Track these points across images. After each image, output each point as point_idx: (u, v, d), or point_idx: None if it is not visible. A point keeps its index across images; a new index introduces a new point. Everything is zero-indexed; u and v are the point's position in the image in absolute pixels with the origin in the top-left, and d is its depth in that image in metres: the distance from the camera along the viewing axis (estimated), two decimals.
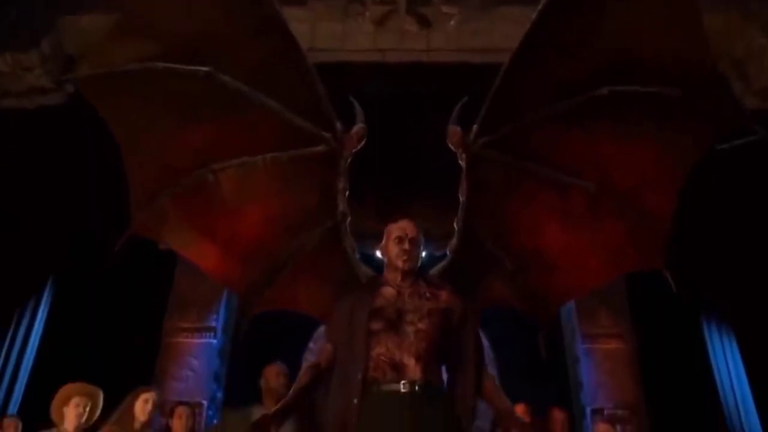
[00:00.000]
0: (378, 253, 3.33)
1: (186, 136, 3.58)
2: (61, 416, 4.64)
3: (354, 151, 3.56)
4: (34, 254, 7.55)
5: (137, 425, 4.29)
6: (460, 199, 3.89)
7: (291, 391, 3.03)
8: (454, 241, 4.02)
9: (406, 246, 3.11)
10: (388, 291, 3.05)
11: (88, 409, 4.66)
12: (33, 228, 7.38)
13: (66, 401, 4.65)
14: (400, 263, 3.10)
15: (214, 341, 8.09)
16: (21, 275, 7.48)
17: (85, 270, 7.81)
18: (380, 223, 3.39)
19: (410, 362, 2.82)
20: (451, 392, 2.93)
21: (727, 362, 8.32)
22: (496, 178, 3.82)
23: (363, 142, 3.55)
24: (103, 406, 4.53)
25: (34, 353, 7.77)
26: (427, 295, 3.04)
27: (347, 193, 3.63)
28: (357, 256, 3.57)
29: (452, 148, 3.67)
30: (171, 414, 4.79)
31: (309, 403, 3.51)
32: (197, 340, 8.06)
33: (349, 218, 3.68)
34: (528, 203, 3.87)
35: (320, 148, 3.57)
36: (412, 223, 3.22)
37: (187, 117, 3.54)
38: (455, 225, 4.02)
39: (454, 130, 3.53)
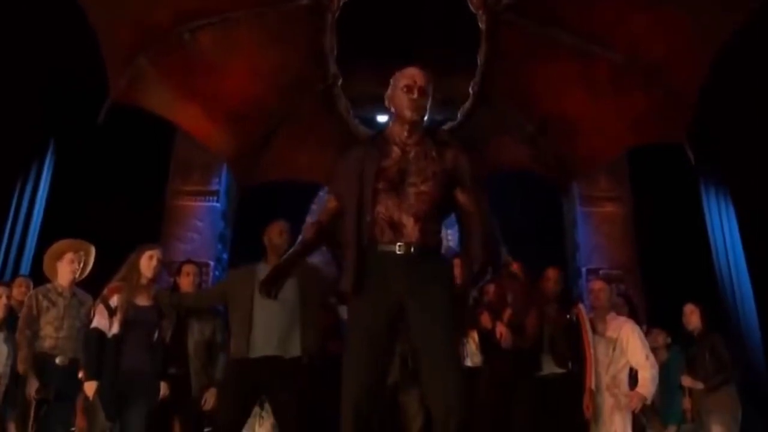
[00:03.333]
0: (381, 118, 3.18)
1: None
2: (54, 271, 4.75)
3: (341, 3, 3.40)
4: (33, 117, 7.53)
5: (143, 281, 4.38)
6: (478, 62, 3.81)
7: (296, 245, 3.06)
8: (467, 104, 3.97)
9: (415, 95, 2.91)
10: (393, 150, 2.95)
11: (81, 264, 4.79)
12: (30, 90, 7.31)
13: (59, 257, 4.75)
14: (408, 114, 2.92)
15: (217, 204, 8.20)
16: (21, 139, 7.48)
17: (85, 132, 7.80)
18: (379, 86, 3.19)
19: (409, 223, 2.81)
20: (461, 247, 2.94)
21: (722, 225, 8.44)
22: (517, 44, 3.70)
23: None
24: (110, 267, 4.61)
25: (41, 216, 7.89)
26: (433, 154, 2.94)
27: (336, 53, 3.50)
28: (354, 118, 3.48)
29: (472, 9, 3.51)
30: (178, 272, 4.89)
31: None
32: (201, 203, 8.17)
33: (341, 80, 3.60)
34: (551, 70, 3.79)
35: (305, 1, 3.41)
36: (422, 72, 2.98)
37: None
38: (471, 89, 3.95)
39: None
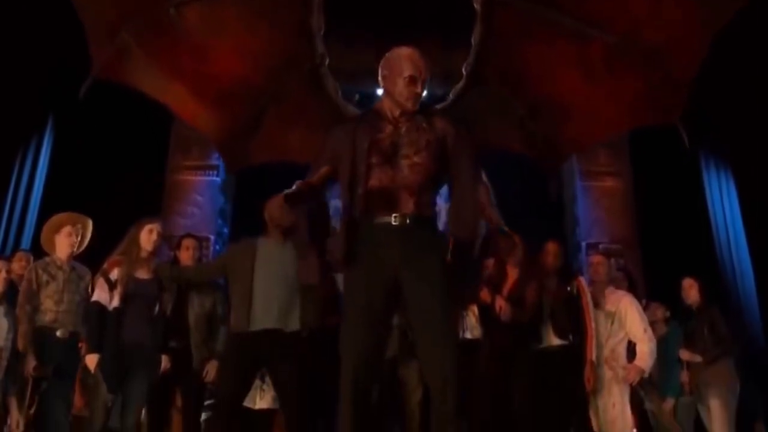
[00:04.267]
0: (381, 92, 3.12)
1: None
2: (52, 245, 4.74)
3: None
4: (32, 93, 7.50)
5: (143, 255, 4.40)
6: (472, 42, 3.78)
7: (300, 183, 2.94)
8: (460, 85, 3.94)
9: (419, 89, 2.88)
10: (385, 124, 2.93)
11: (79, 237, 4.77)
12: (29, 66, 7.28)
13: (57, 230, 4.73)
14: (409, 105, 2.89)
15: (217, 179, 8.21)
16: (20, 115, 7.46)
17: (84, 107, 7.77)
18: (379, 60, 3.06)
19: (403, 195, 2.82)
20: (452, 214, 2.93)
21: (722, 199, 8.44)
22: (512, 25, 3.66)
23: None
24: (111, 242, 4.62)
25: (41, 191, 7.89)
26: (424, 125, 2.92)
27: (323, 31, 3.44)
28: (343, 98, 3.43)
29: None
30: (178, 246, 4.89)
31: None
32: (201, 178, 8.18)
33: (328, 60, 3.55)
34: (546, 52, 3.75)
35: None
36: (425, 62, 2.90)
37: None
38: (464, 69, 3.92)
39: None
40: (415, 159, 2.86)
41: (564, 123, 4.06)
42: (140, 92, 4.01)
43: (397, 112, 2.95)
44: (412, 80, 2.87)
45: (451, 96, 3.79)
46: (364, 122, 2.98)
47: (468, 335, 4.74)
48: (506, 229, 2.95)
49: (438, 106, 3.47)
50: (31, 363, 4.39)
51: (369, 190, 2.83)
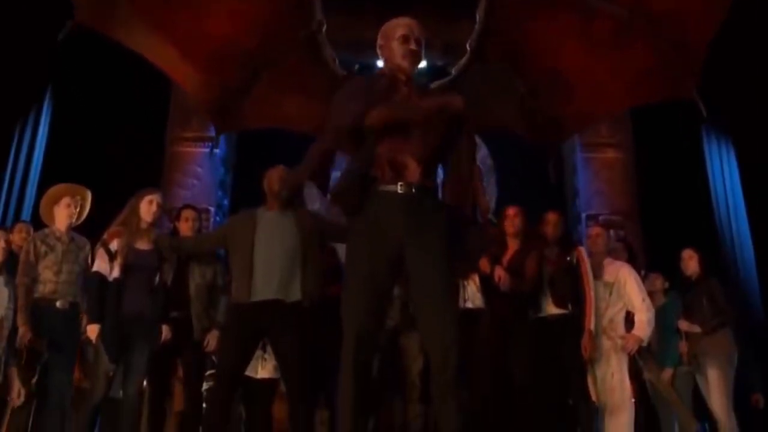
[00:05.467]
0: (382, 64, 3.11)
1: None
2: (51, 216, 4.75)
3: None
4: (30, 63, 7.45)
5: (143, 225, 4.39)
6: (477, 18, 3.73)
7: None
8: (463, 61, 3.90)
9: (413, 46, 2.91)
10: (393, 94, 2.91)
11: (78, 209, 4.78)
12: (26, 36, 7.22)
13: (56, 201, 4.74)
14: (405, 63, 2.91)
15: (217, 150, 8.17)
16: (18, 86, 7.42)
17: (83, 77, 7.74)
18: (375, 32, 3.09)
19: (411, 164, 2.80)
20: (447, 186, 2.94)
21: (723, 171, 8.44)
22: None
23: None
24: (110, 213, 4.62)
25: (40, 162, 7.89)
26: (432, 97, 2.94)
27: None
28: (339, 66, 3.39)
29: None
30: (177, 218, 4.88)
31: None
32: (200, 150, 8.15)
33: (325, 27, 3.50)
34: (549, 25, 3.69)
35: None
36: (417, 22, 2.97)
37: None
38: (468, 45, 3.87)
39: None
40: (425, 128, 2.84)
41: (568, 100, 4.01)
42: (126, 48, 3.84)
43: (402, 78, 2.94)
44: (404, 39, 2.92)
45: (454, 72, 3.76)
46: (374, 86, 2.95)
47: (469, 305, 4.75)
48: (494, 219, 2.97)
49: (441, 81, 3.44)
50: (26, 335, 4.42)
51: (378, 156, 2.82)
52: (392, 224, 2.77)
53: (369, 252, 2.78)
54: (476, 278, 4.79)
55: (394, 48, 2.94)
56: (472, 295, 4.78)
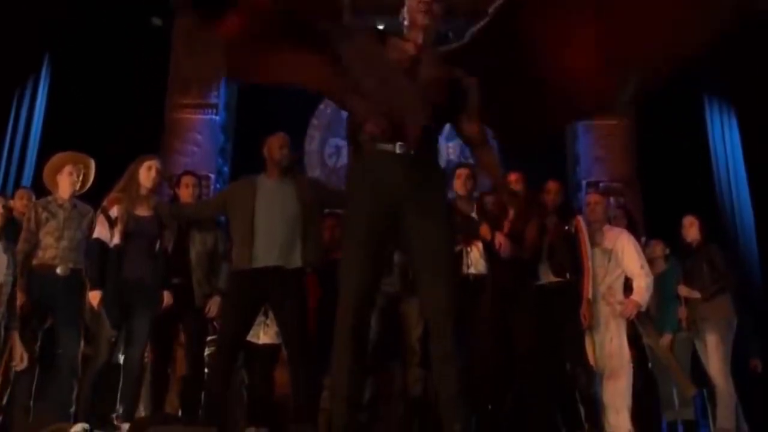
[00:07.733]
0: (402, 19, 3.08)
1: None
2: (55, 184, 4.74)
3: None
4: (26, 31, 7.38)
5: (143, 192, 4.39)
6: None
7: None
8: (475, 28, 3.84)
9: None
10: (404, 52, 2.90)
11: (81, 177, 4.78)
12: (23, 3, 7.16)
13: (59, 169, 4.73)
14: (420, 18, 2.89)
15: (217, 117, 8.15)
16: (16, 53, 7.36)
17: (81, 45, 7.68)
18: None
19: (411, 124, 2.78)
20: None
21: (724, 138, 8.40)
22: None
23: None
24: (110, 180, 4.61)
25: (39, 130, 7.86)
26: (442, 63, 2.92)
27: None
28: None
29: None
30: (177, 184, 4.88)
31: None
32: (200, 116, 8.12)
33: None
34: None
35: None
36: None
37: None
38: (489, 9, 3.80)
39: None
40: (429, 91, 2.83)
41: (574, 84, 3.95)
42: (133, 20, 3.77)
43: (419, 39, 2.93)
44: None
45: (466, 37, 3.69)
46: (388, 41, 2.95)
47: (472, 270, 4.75)
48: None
49: (443, 49, 3.39)
50: (20, 299, 4.46)
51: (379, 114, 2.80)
52: (391, 186, 2.77)
53: (367, 211, 2.78)
54: (479, 244, 4.78)
55: (412, 3, 2.92)
56: (475, 261, 4.78)
